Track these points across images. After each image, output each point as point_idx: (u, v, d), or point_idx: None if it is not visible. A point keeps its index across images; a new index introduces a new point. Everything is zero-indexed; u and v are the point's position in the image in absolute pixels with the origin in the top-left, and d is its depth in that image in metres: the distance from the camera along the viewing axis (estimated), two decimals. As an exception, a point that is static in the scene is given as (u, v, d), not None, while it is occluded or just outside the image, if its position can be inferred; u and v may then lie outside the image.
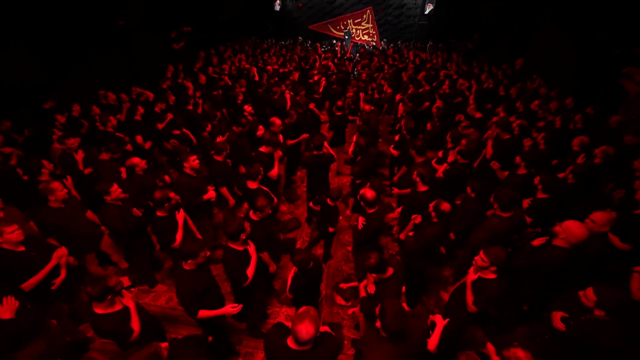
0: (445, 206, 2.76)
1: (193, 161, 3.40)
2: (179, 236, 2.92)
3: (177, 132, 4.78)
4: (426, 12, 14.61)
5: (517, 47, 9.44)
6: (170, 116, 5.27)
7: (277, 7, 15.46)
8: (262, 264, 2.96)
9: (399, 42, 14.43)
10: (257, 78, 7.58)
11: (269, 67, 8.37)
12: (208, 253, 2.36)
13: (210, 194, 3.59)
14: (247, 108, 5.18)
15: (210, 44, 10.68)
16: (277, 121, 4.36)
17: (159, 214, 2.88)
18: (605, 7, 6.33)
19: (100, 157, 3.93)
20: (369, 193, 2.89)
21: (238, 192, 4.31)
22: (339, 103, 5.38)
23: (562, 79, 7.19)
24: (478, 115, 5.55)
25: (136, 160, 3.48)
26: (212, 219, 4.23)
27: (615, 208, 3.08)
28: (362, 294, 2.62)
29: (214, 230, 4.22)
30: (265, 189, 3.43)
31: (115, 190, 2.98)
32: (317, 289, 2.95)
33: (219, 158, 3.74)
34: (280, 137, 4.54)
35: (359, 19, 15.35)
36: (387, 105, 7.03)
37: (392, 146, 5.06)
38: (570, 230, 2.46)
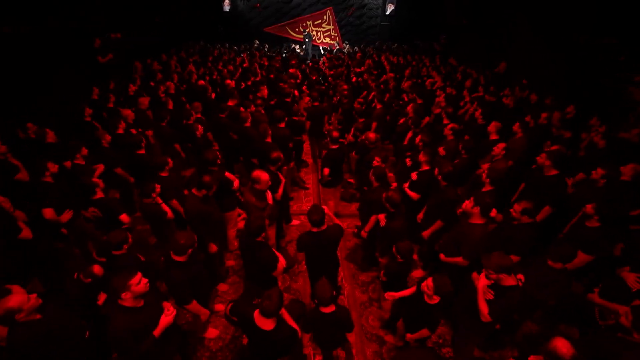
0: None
1: (137, 285, 1.91)
2: None
3: (98, 195, 3.15)
4: (387, 13, 14.00)
5: (492, 49, 9.04)
6: (100, 168, 3.65)
7: (227, 8, 13.67)
8: None
9: (362, 45, 13.58)
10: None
11: (228, 82, 6.85)
12: None
13: (166, 319, 2.13)
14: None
15: (149, 52, 8.74)
16: (263, 176, 3.01)
17: None
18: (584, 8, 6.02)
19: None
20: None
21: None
22: (335, 134, 4.15)
23: (546, 81, 6.79)
24: (494, 137, 4.69)
25: (16, 300, 1.78)
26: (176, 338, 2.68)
27: None
28: None
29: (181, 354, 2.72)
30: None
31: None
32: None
33: (180, 259, 2.30)
34: (269, 194, 3.22)
35: (319, 20, 14.22)
36: (376, 124, 6.00)
37: (406, 184, 3.96)
38: None
